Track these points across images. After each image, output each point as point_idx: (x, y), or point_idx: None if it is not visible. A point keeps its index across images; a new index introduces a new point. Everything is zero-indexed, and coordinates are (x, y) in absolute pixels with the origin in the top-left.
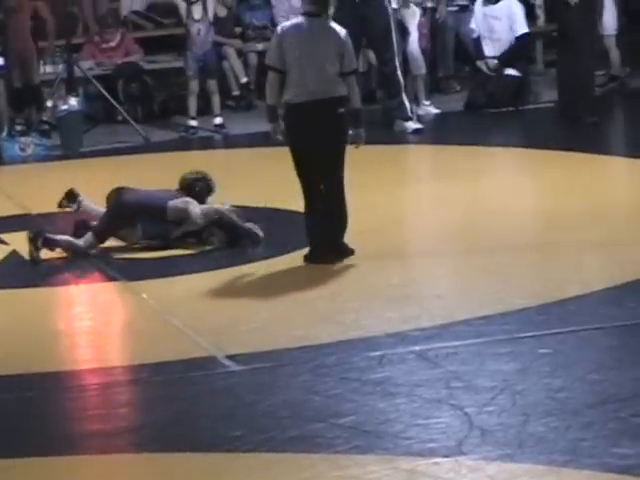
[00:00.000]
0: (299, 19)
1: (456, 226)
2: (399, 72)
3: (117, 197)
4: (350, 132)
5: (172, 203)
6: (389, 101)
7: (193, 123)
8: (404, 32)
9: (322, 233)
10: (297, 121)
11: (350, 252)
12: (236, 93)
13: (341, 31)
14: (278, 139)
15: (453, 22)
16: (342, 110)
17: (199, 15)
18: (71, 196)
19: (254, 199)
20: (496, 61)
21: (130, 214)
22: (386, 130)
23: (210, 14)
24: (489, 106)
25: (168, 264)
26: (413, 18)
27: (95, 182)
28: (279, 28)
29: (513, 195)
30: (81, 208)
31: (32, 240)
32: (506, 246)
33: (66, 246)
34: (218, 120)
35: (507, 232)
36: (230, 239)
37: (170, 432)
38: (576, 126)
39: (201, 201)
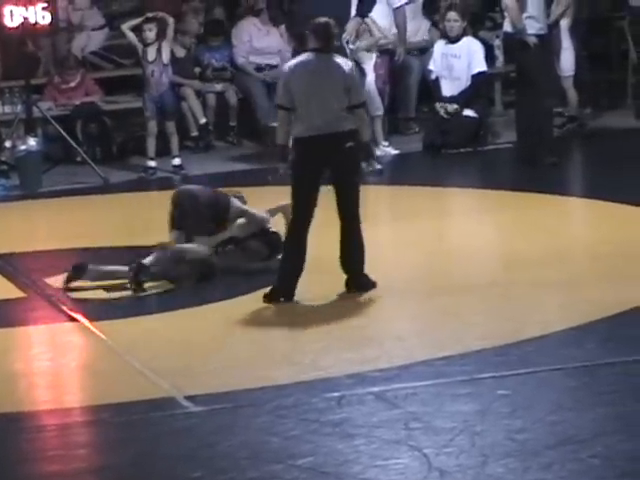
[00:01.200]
0: (306, 56)
1: (416, 267)
2: (365, 116)
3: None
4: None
5: (234, 200)
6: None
7: (152, 164)
8: (361, 73)
9: (295, 277)
10: (305, 155)
11: (373, 285)
12: (195, 134)
13: (346, 65)
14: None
15: (417, 64)
16: (350, 144)
17: (152, 57)
18: (79, 270)
19: None
20: (455, 106)
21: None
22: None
23: (164, 56)
24: (447, 147)
25: (128, 305)
26: (369, 59)
27: (54, 222)
28: (286, 66)
29: (472, 236)
30: (96, 274)
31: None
32: (465, 287)
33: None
34: (177, 161)
35: (466, 273)
36: (270, 253)
37: (130, 473)
38: (535, 167)
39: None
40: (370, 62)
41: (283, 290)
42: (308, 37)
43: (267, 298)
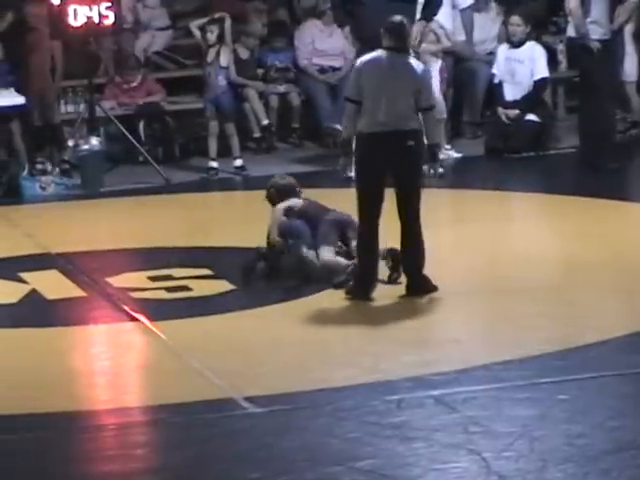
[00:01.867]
0: (380, 52)
1: (476, 270)
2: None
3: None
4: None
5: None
6: None
7: (214, 164)
8: None
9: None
10: (367, 151)
11: (433, 288)
12: (257, 135)
13: (419, 66)
14: (344, 176)
15: (485, 69)
16: (412, 143)
17: (211, 59)
18: None
19: None
20: (517, 111)
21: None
22: None
23: (222, 59)
24: (509, 151)
25: (188, 305)
26: (435, 63)
27: (115, 222)
28: (359, 61)
29: (533, 240)
30: None
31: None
32: (526, 291)
33: None
34: (238, 162)
35: (527, 277)
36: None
37: (188, 474)
38: (597, 172)
39: None
40: (436, 65)
41: (360, 292)
42: (382, 35)
43: (350, 293)
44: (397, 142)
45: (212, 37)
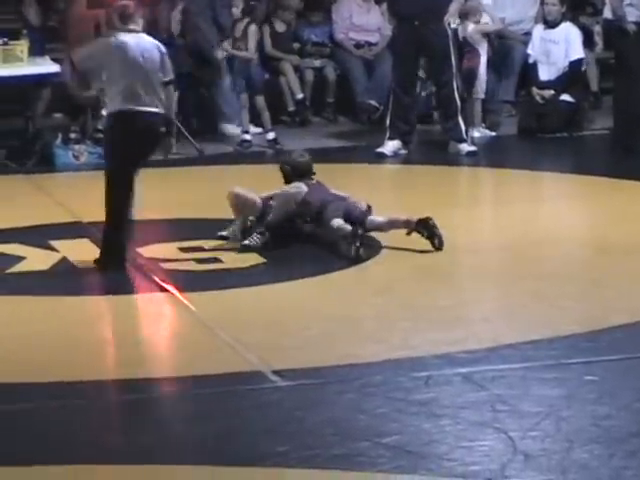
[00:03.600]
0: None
1: (506, 250)
2: (456, 94)
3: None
4: None
5: None
6: (445, 122)
7: (247, 137)
8: (474, 55)
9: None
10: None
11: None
12: (291, 109)
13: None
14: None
15: (521, 49)
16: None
17: (238, 33)
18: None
19: None
20: (552, 91)
21: None
22: (441, 151)
23: (250, 33)
24: (542, 131)
25: (218, 277)
26: (482, 41)
27: (147, 192)
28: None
29: (565, 221)
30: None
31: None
32: (556, 272)
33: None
34: (271, 135)
35: (558, 258)
36: None
37: (215, 446)
38: (631, 154)
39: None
40: (483, 44)
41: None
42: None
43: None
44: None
45: (237, 11)
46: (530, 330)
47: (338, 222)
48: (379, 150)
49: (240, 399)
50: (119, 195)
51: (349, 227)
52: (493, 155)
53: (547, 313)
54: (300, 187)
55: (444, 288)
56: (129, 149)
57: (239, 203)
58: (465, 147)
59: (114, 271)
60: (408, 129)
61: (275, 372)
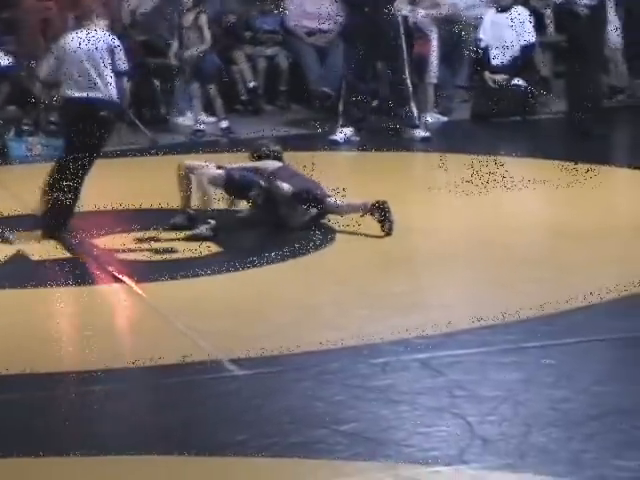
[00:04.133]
0: None
1: (463, 235)
2: (408, 80)
3: None
4: None
5: None
6: (397, 109)
7: (199, 126)
8: (425, 40)
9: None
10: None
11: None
12: (244, 97)
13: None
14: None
15: (473, 32)
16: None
17: (188, 22)
18: None
19: None
20: (504, 75)
21: None
22: (395, 138)
23: (201, 21)
24: (496, 115)
25: (174, 267)
26: (433, 26)
27: (101, 183)
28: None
29: (521, 206)
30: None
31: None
32: (513, 257)
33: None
34: (224, 124)
35: (515, 243)
36: None
37: (175, 435)
38: (584, 137)
39: None
40: (434, 30)
41: None
42: None
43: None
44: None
45: (187, 1)
46: (487, 315)
47: (290, 188)
48: (332, 137)
49: (198, 389)
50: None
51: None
52: (447, 140)
53: (504, 298)
54: (269, 164)
55: (401, 274)
56: (75, 134)
57: (196, 175)
58: (418, 133)
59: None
60: (361, 116)
61: (232, 361)
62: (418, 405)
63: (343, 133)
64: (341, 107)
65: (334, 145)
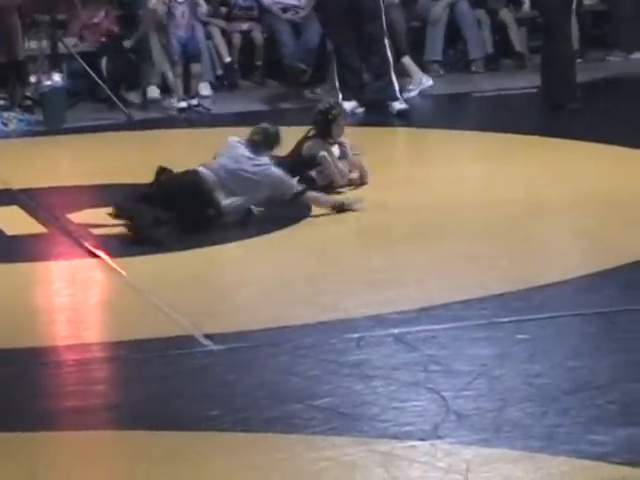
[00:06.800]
0: None
1: (438, 210)
2: (388, 52)
3: None
4: None
5: None
6: (377, 81)
7: (177, 102)
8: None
9: None
10: None
11: None
12: (220, 73)
13: None
14: None
15: (445, 7)
16: None
17: None
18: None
19: None
20: None
21: None
22: (374, 111)
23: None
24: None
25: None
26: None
27: (77, 158)
28: None
29: (496, 181)
30: None
31: None
32: (488, 232)
33: None
34: (200, 100)
35: (489, 218)
36: None
37: (147, 410)
38: (559, 112)
39: None
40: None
41: None
42: None
43: None
44: None
45: None
46: (461, 290)
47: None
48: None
49: (171, 364)
50: None
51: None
52: (424, 115)
53: (478, 273)
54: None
55: (375, 249)
56: None
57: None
58: (397, 105)
59: None
60: (358, 83)
61: (207, 336)
62: (392, 380)
63: (347, 106)
64: (337, 82)
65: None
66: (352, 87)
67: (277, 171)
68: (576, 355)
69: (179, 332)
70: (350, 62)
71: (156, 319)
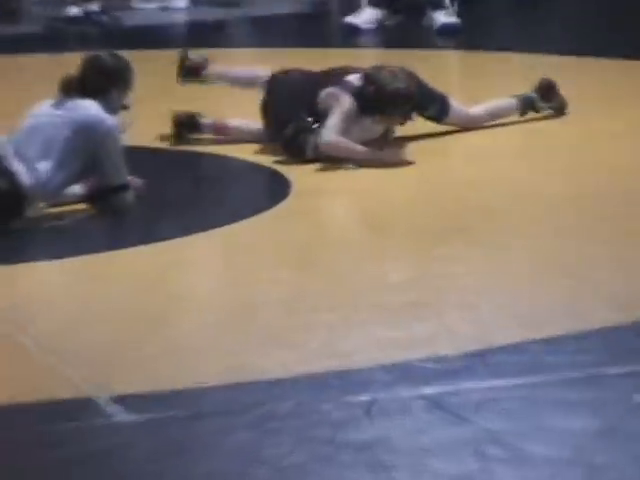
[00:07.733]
0: None
1: (500, 190)
2: None
3: None
4: None
5: None
6: None
7: (74, 11)
8: None
9: None
10: None
11: None
12: None
13: None
14: None
15: None
16: None
17: None
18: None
19: None
20: None
21: None
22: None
23: None
24: None
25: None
26: None
27: None
28: None
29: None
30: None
31: None
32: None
33: None
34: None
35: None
36: None
37: None
38: None
39: None
40: None
41: None
42: None
43: None
44: None
45: None
46: (540, 320)
47: None
48: (350, 20)
49: (55, 448)
50: None
51: None
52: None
53: (569, 293)
54: None
55: (394, 251)
56: None
57: None
58: (442, 17)
59: None
60: None
61: (114, 399)
62: (425, 473)
63: (367, 15)
64: None
65: (351, 32)
66: None
67: None
68: None
69: (68, 394)
70: None
71: (30, 373)
